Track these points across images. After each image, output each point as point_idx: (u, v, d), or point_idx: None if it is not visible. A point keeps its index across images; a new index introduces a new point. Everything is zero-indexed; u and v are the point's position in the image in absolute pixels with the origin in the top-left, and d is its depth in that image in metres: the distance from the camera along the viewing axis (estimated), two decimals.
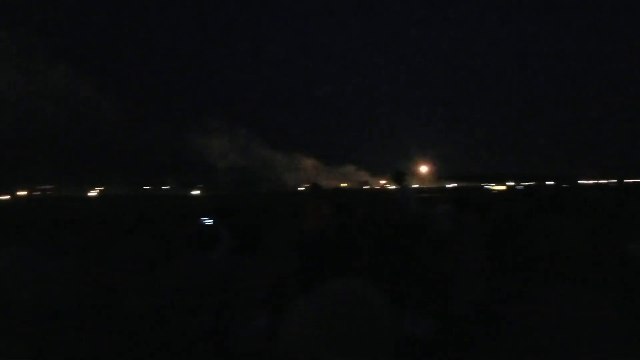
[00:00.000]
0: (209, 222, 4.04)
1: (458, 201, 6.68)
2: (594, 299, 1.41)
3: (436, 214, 5.05)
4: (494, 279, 3.71)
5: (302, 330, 1.21)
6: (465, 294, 3.76)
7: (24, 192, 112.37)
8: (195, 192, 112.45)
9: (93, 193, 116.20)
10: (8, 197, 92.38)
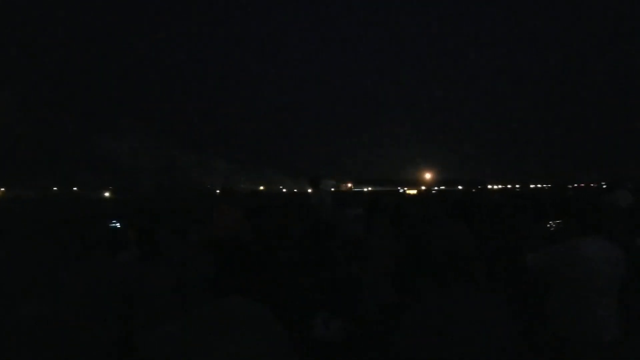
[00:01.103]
0: (116, 225, 3.94)
1: (370, 204, 6.89)
2: (489, 302, 1.57)
3: (348, 218, 5.18)
4: (401, 281, 3.89)
5: (206, 337, 1.27)
6: (374, 296, 3.91)
7: None
8: (105, 194, 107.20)
9: None
10: None
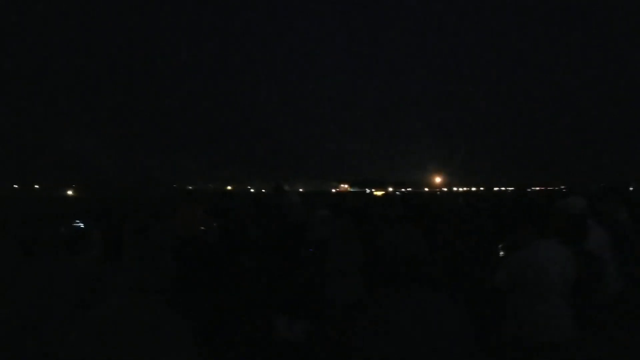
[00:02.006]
0: (79, 224, 3.86)
1: (335, 206, 6.93)
2: (444, 305, 1.62)
3: (313, 219, 5.20)
4: (364, 282, 3.94)
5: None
6: (337, 297, 3.95)
7: None
8: (69, 193, 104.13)
9: None
10: None
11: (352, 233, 4.28)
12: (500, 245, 3.26)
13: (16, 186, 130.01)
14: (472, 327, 1.64)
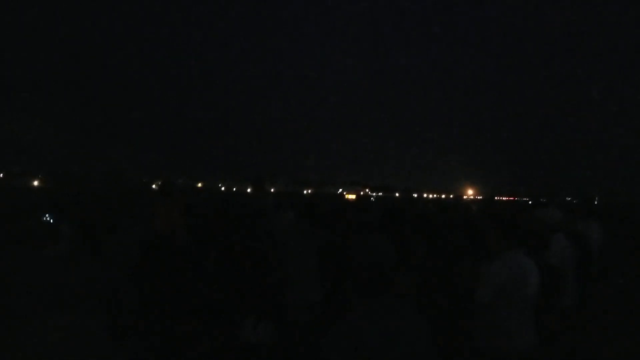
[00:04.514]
0: (49, 218, 3.78)
1: (304, 208, 6.92)
2: (411, 315, 1.65)
3: (282, 221, 5.20)
4: (328, 287, 3.97)
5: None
6: (302, 300, 3.97)
7: None
8: (35, 183, 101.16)
9: None
10: None
11: (318, 235, 4.29)
12: (473, 256, 3.31)
13: None
14: (438, 338, 1.67)
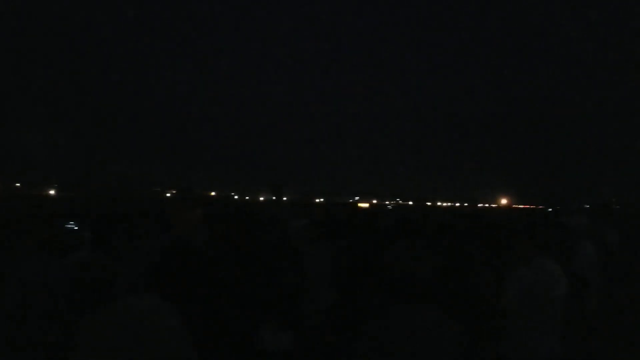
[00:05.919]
0: (73, 227, 3.81)
1: (319, 215, 6.92)
2: (443, 322, 1.63)
3: (297, 228, 5.19)
4: (346, 292, 3.95)
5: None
6: (320, 306, 3.96)
7: None
8: (51, 192, 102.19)
9: None
10: None
11: (334, 242, 4.28)
12: (500, 263, 3.28)
13: None
14: (466, 345, 1.65)
